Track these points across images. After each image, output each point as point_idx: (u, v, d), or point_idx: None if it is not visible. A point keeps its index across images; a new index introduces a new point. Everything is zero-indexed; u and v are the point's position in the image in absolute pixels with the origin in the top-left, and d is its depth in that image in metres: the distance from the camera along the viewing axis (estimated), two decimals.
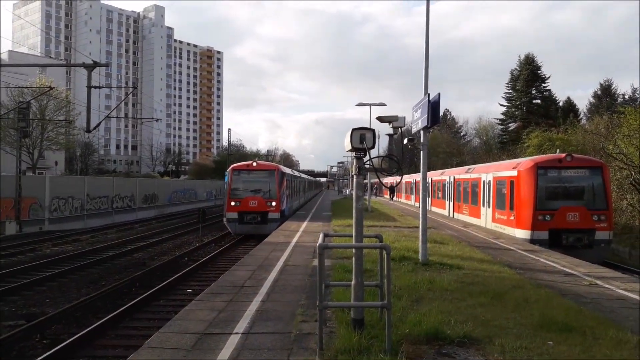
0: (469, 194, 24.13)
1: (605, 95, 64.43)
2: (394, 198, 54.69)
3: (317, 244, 5.71)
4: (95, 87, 20.54)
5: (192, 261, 17.93)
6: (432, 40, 12.93)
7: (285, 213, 25.21)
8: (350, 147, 5.99)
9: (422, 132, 11.94)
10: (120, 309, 10.63)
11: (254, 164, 24.71)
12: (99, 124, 23.16)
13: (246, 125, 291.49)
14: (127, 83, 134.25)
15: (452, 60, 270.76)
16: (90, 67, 19.43)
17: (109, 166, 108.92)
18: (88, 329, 9.20)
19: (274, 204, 23.63)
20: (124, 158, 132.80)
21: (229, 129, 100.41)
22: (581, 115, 64.60)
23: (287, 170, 30.58)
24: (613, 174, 25.57)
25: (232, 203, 23.45)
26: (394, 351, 5.37)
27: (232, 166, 25.19)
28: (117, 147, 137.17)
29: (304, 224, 22.53)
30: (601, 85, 66.33)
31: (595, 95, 66.50)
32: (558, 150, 22.24)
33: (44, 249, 21.12)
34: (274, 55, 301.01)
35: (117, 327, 9.91)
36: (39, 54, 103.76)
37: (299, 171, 58.96)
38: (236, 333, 6.42)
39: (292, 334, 6.36)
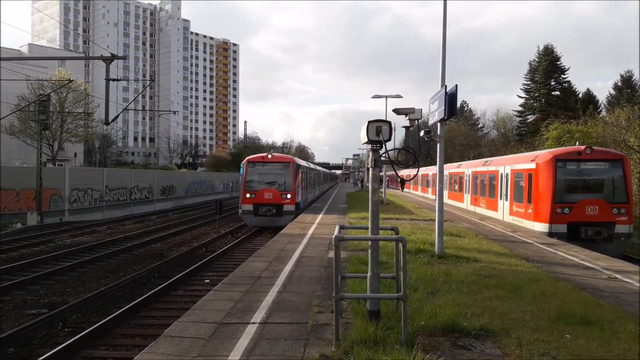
0: (486, 187, 23.94)
1: (626, 87, 63.10)
2: (404, 189, 55.43)
3: (333, 236, 5.73)
4: (113, 80, 20.76)
5: (209, 252, 18.11)
6: (448, 30, 12.77)
7: (300, 205, 25.08)
8: (366, 140, 5.98)
9: (439, 124, 11.88)
10: (139, 299, 10.80)
11: (269, 156, 24.58)
12: (117, 116, 23.41)
13: (261, 117, 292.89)
14: (144, 75, 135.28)
15: (469, 50, 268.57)
16: (109, 60, 19.63)
17: (127, 158, 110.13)
18: (108, 318, 9.37)
19: (289, 196, 23.51)
20: (141, 150, 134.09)
21: (245, 122, 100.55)
22: (601, 107, 63.38)
23: (302, 163, 30.43)
24: (634, 167, 25.13)
25: (247, 195, 23.41)
26: (410, 343, 5.39)
27: (247, 158, 25.12)
28: (135, 139, 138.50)
29: (320, 217, 22.59)
30: (622, 76, 64.94)
31: (616, 87, 65.19)
32: (577, 142, 21.88)
33: (64, 239, 21.49)
34: (288, 46, 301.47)
35: (136, 316, 10.08)
36: (58, 47, 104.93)
37: (314, 163, 58.86)
38: (253, 323, 6.50)
39: (309, 325, 6.42)
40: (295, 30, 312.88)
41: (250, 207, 23.27)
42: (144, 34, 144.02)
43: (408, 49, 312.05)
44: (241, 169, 24.50)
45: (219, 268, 15.16)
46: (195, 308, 7.35)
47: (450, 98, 10.82)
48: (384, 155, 6.19)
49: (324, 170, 59.22)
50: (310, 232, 16.76)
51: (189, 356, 5.34)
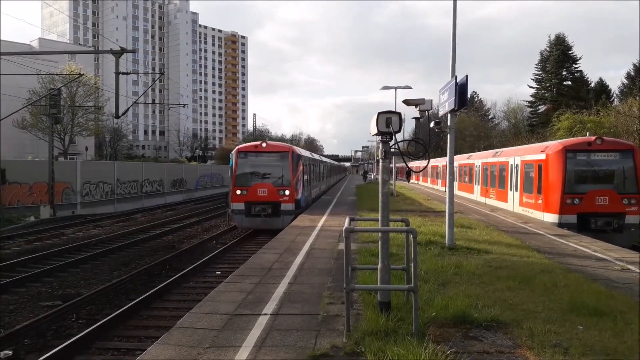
0: (496, 178, 23.83)
1: (639, 76, 62.28)
2: (410, 181, 55.89)
3: (344, 228, 5.74)
4: (123, 73, 20.83)
5: (220, 244, 18.21)
6: (457, 19, 12.62)
7: (301, 203, 21.42)
8: (376, 131, 5.95)
9: (449, 115, 11.81)
10: (152, 291, 10.90)
11: (264, 144, 20.73)
12: (127, 110, 23.54)
13: (269, 109, 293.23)
14: (153, 69, 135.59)
15: (476, 41, 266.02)
16: (118, 54, 19.67)
17: (138, 151, 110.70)
18: (121, 310, 9.47)
19: (287, 192, 19.99)
20: (152, 143, 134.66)
21: (254, 114, 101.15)
22: (613, 96, 62.71)
23: (304, 153, 26.87)
24: None
25: (238, 192, 19.88)
26: (421, 334, 5.41)
27: (237, 147, 21.60)
28: (145, 132, 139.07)
29: (329, 209, 22.60)
30: (635, 65, 64.04)
31: (629, 76, 64.34)
32: (589, 133, 21.71)
33: (76, 232, 21.70)
34: (295, 38, 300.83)
35: (149, 308, 10.18)
36: (68, 41, 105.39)
37: (320, 155, 57.17)
38: (265, 314, 6.55)
39: (320, 316, 6.45)
40: (302, 21, 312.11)
41: (241, 206, 19.83)
42: (152, 27, 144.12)
43: (414, 39, 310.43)
44: (230, 161, 20.91)
45: (230, 260, 15.25)
46: (207, 300, 7.41)
47: (461, 89, 10.74)
48: (394, 146, 6.15)
49: (331, 161, 56.44)
50: (320, 224, 16.80)
51: (201, 347, 5.39)
